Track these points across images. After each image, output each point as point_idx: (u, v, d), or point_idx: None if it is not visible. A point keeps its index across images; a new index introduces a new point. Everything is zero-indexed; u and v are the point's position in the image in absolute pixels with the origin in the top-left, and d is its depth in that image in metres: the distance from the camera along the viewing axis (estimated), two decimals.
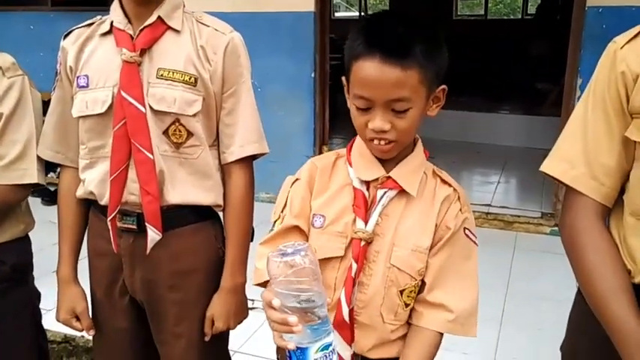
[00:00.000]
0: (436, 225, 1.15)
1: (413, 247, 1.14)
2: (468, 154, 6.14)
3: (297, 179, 1.22)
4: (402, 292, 1.15)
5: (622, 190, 1.11)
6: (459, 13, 11.62)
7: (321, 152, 4.56)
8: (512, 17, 14.93)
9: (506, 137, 6.49)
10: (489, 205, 4.48)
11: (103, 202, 1.42)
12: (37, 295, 1.73)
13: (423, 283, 1.16)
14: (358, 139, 1.19)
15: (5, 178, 1.51)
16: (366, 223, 1.13)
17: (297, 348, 0.92)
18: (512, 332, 2.82)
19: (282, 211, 1.21)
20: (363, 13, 11.84)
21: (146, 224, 1.38)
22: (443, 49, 1.10)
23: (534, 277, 3.40)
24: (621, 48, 1.06)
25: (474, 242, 1.19)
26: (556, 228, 4.05)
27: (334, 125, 5.01)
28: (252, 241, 1.52)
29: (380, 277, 1.14)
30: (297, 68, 4.43)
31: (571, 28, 3.81)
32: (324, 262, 1.15)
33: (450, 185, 1.19)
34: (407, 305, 1.17)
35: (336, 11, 13.29)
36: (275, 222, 1.21)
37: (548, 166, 1.17)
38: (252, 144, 1.47)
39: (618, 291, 1.04)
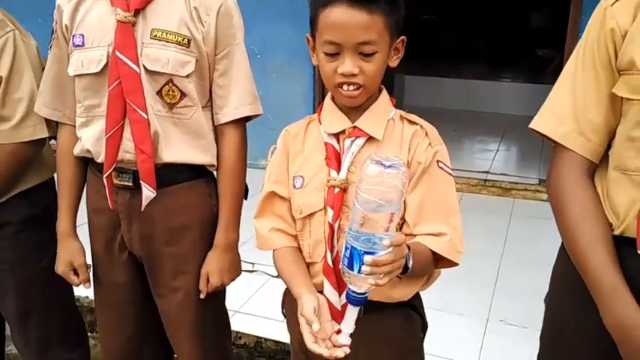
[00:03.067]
0: (408, 162, 1.18)
1: None
2: (468, 122, 6.13)
3: (275, 148, 1.29)
4: None
5: (609, 147, 1.13)
6: None
7: None
8: None
9: (507, 105, 6.48)
10: (488, 172, 4.51)
11: (100, 159, 1.45)
12: None
13: (405, 221, 1.19)
14: (327, 100, 1.26)
15: (18, 137, 1.57)
16: (338, 172, 1.18)
17: (365, 252, 0.99)
18: (506, 295, 2.87)
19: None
20: None
21: (141, 182, 1.41)
22: (400, 1, 1.16)
23: (530, 243, 3.43)
24: (612, 5, 1.07)
25: (449, 174, 1.21)
26: None
27: None
28: (245, 199, 1.56)
29: None
30: (296, 35, 4.39)
31: None
32: (310, 217, 1.21)
33: (416, 124, 1.22)
34: None
35: None
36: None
37: (537, 123, 1.18)
38: (245, 105, 1.49)
39: (599, 243, 1.07)
